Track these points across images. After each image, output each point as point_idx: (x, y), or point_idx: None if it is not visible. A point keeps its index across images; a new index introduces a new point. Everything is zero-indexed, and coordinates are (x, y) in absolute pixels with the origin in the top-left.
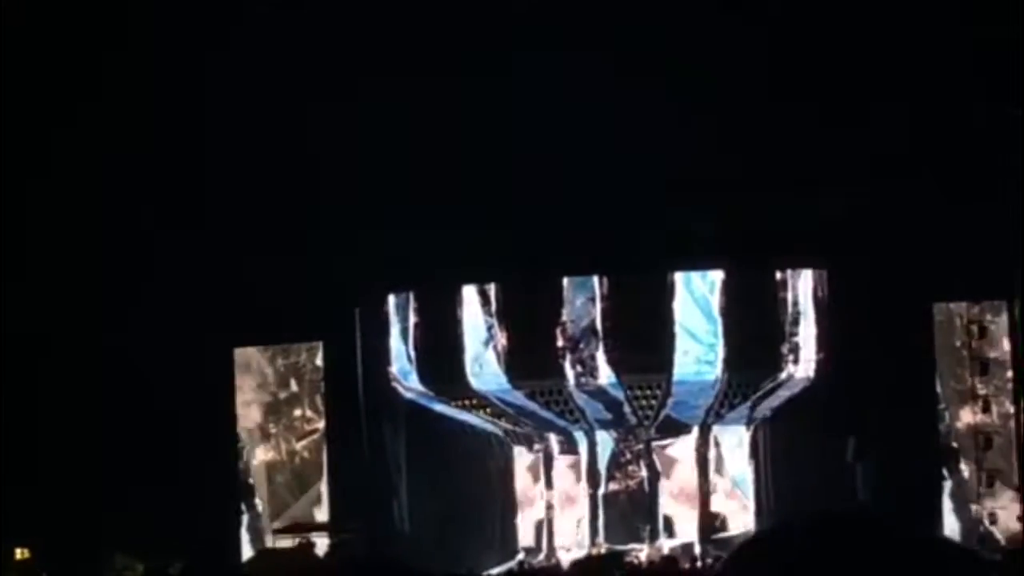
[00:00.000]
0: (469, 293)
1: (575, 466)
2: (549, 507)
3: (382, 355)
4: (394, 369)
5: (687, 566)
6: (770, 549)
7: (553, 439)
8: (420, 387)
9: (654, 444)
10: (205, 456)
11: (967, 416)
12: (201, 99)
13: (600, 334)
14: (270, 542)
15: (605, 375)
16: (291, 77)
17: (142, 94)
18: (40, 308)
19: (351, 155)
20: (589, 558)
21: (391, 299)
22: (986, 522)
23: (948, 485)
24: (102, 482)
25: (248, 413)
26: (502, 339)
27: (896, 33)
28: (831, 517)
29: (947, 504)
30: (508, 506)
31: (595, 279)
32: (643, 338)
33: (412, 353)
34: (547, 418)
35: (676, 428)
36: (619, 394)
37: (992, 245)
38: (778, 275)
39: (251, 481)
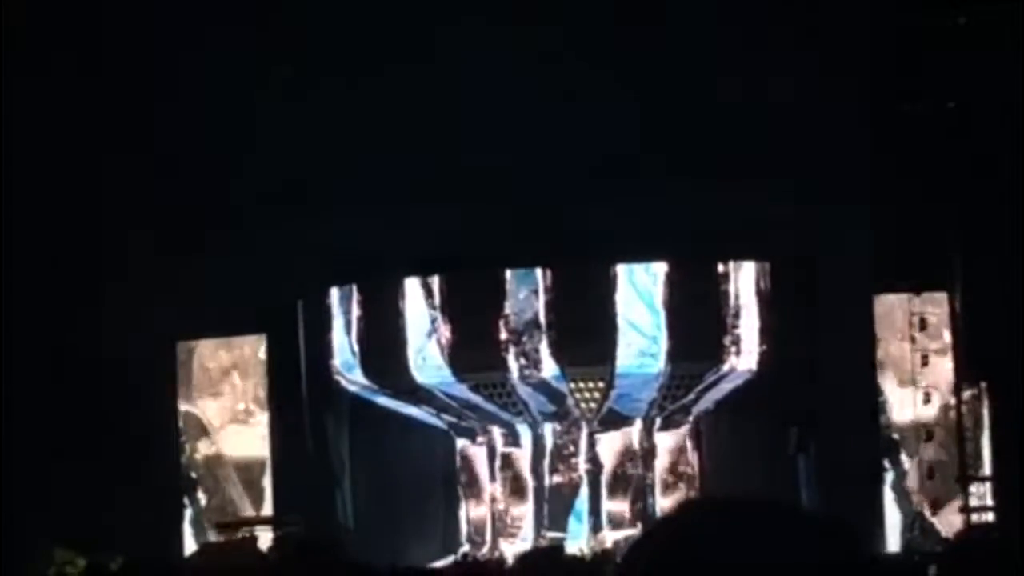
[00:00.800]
0: (412, 285)
1: (519, 459)
2: (493, 500)
3: (325, 348)
4: (337, 362)
5: None
6: (665, 534)
7: (497, 432)
8: (363, 380)
9: (597, 437)
10: (147, 450)
11: (908, 408)
12: (149, 91)
13: (543, 327)
14: (213, 536)
15: (548, 368)
16: (238, 72)
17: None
18: None
19: (295, 146)
20: (533, 550)
21: (334, 291)
22: (927, 514)
23: (889, 477)
24: (41, 476)
25: (190, 406)
26: (445, 332)
27: (824, 22)
28: (737, 499)
29: (888, 496)
30: (451, 499)
31: (538, 271)
32: (586, 330)
33: (355, 346)
34: (491, 411)
35: (619, 421)
36: (563, 387)
37: (933, 236)
38: (720, 267)
39: (193, 475)
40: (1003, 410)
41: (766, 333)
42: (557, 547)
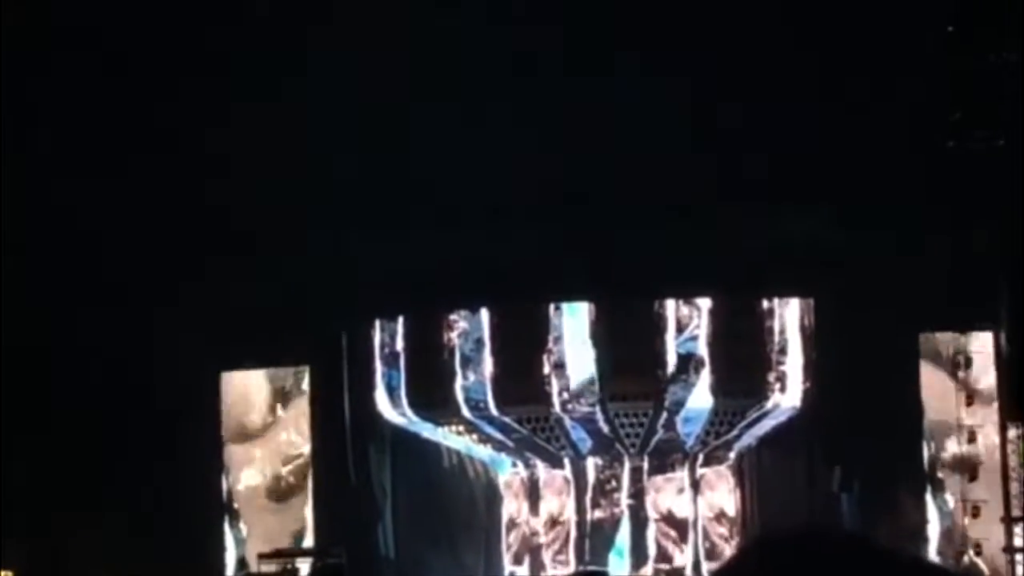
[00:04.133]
0: (458, 318)
1: (561, 492)
2: (534, 533)
3: (368, 379)
4: (380, 393)
5: None
6: (758, 561)
7: (540, 465)
8: (407, 412)
9: (643, 471)
10: (190, 480)
11: (952, 447)
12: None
13: (589, 360)
14: (254, 567)
15: (592, 402)
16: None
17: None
18: (23, 323)
19: (344, 176)
20: (580, 571)
21: (378, 323)
22: (971, 553)
23: (933, 516)
24: (87, 504)
25: (233, 438)
26: (489, 365)
27: (874, 56)
28: (816, 533)
29: (932, 535)
30: (493, 530)
31: (584, 305)
32: (633, 365)
33: (399, 378)
34: (534, 444)
35: (662, 456)
36: (607, 421)
37: (979, 275)
38: (765, 303)
39: (236, 506)
40: None
41: (810, 370)
42: (602, 572)
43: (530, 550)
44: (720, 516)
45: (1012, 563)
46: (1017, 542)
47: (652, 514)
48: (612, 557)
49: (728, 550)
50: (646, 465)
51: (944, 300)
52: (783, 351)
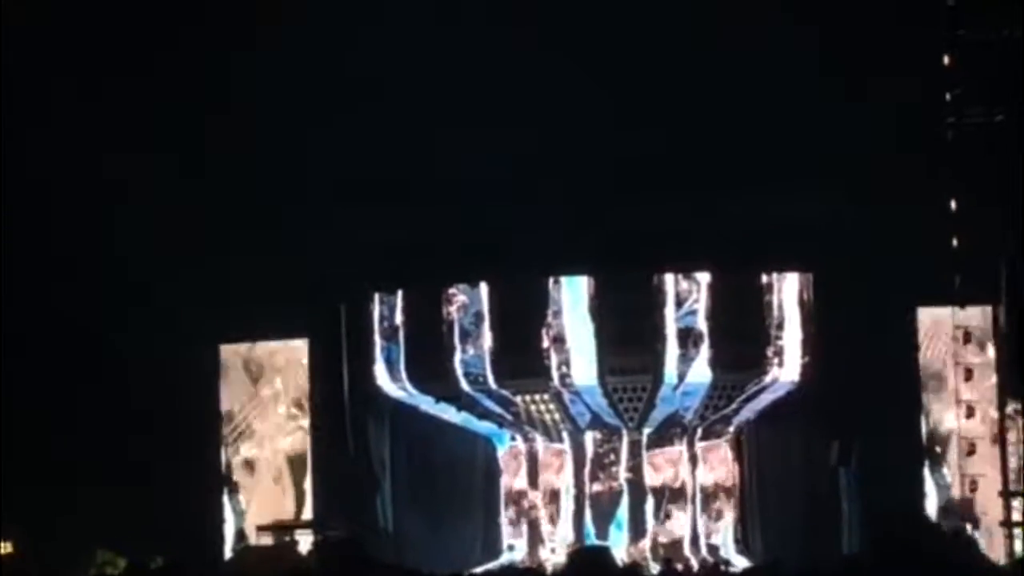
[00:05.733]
0: (457, 292)
1: (560, 467)
2: (533, 507)
3: (367, 353)
4: (379, 367)
5: (679, 566)
6: None
7: (539, 439)
8: (406, 385)
9: (641, 445)
10: (189, 452)
11: (951, 421)
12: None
13: (589, 334)
14: (253, 539)
15: (591, 375)
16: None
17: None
18: (22, 304)
19: (341, 154)
20: (581, 548)
21: (377, 297)
22: (968, 528)
23: (931, 489)
24: (85, 478)
25: (233, 410)
26: (488, 339)
27: (873, 31)
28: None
29: (929, 509)
30: (492, 503)
31: (583, 279)
32: (632, 339)
33: (398, 351)
34: (533, 418)
35: (660, 430)
36: (605, 395)
37: (978, 249)
38: (763, 278)
39: (235, 478)
40: None
41: (809, 344)
42: (604, 547)
43: (529, 523)
44: (718, 489)
45: (1011, 536)
46: (1016, 516)
47: (650, 487)
48: (611, 530)
49: (726, 524)
50: (645, 439)
51: (943, 275)
52: (781, 325)
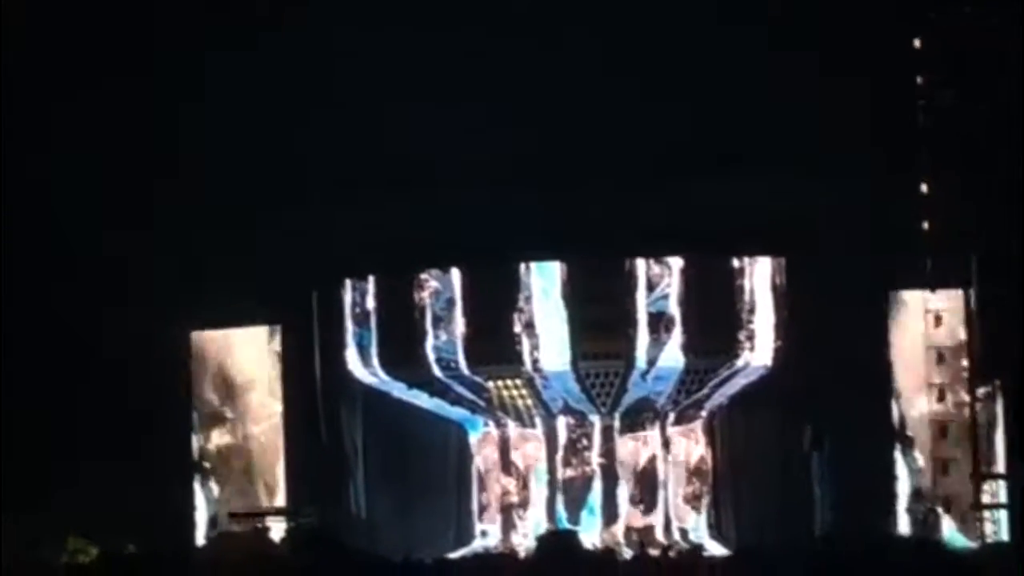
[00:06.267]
0: (429, 278)
1: (533, 453)
2: (505, 492)
3: (339, 339)
4: (351, 353)
5: (654, 551)
6: None
7: (511, 425)
8: (378, 371)
9: (614, 430)
10: (161, 440)
11: (922, 405)
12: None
13: (560, 320)
14: (226, 526)
15: (563, 361)
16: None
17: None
18: None
19: (314, 143)
20: (550, 533)
21: (349, 283)
22: (939, 509)
23: (903, 473)
24: (57, 466)
25: (205, 397)
26: (461, 324)
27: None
28: None
29: (901, 491)
30: (464, 489)
31: (556, 265)
32: (603, 324)
33: (370, 337)
34: (506, 403)
35: (632, 415)
36: (577, 380)
37: (949, 235)
38: (735, 263)
39: (207, 465)
40: (1017, 407)
41: (781, 329)
42: (573, 532)
43: (502, 509)
44: (691, 474)
45: (981, 519)
46: (986, 499)
47: (623, 472)
48: (583, 515)
49: (699, 509)
50: (617, 424)
51: (914, 258)
52: (753, 310)
